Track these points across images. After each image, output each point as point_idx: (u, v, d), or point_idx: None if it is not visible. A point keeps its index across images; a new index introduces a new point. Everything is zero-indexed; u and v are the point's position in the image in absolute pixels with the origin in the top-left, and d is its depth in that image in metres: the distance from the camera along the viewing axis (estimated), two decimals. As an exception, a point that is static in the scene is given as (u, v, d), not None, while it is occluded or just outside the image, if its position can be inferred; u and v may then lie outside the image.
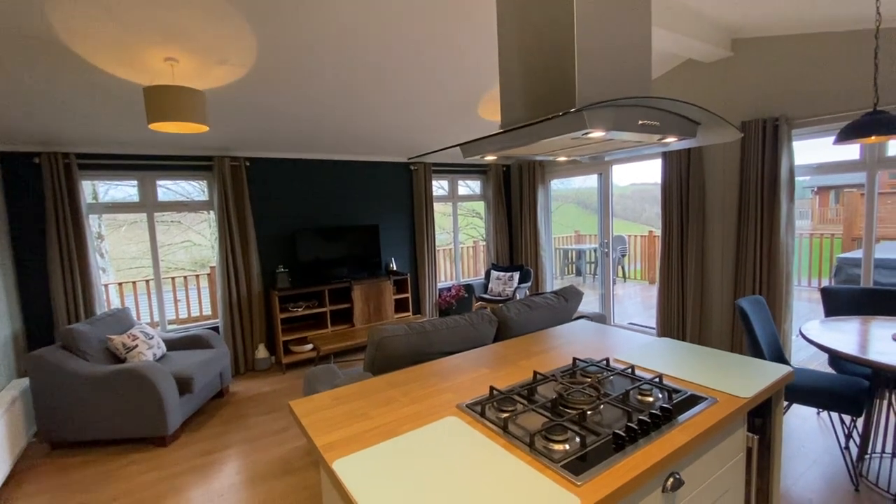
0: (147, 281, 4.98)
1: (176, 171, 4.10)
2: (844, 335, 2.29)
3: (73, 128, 3.29)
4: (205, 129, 2.59)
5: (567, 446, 1.10)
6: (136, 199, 4.04)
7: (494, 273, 5.76)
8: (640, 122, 1.12)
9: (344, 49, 2.75)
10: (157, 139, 3.70)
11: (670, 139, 1.30)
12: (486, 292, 5.81)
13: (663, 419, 1.21)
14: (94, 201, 4.36)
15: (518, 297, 5.40)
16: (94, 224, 4.51)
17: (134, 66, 2.58)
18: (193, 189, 5.41)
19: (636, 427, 1.14)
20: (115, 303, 5.29)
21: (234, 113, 3.43)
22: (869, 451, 2.45)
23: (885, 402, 2.48)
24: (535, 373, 1.55)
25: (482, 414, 1.30)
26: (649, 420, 1.18)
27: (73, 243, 3.54)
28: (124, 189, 4.64)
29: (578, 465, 1.02)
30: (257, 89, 3.11)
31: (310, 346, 4.44)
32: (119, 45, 2.36)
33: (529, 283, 5.56)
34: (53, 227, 3.46)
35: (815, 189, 13.23)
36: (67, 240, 3.52)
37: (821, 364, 3.47)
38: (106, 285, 4.80)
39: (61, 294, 3.51)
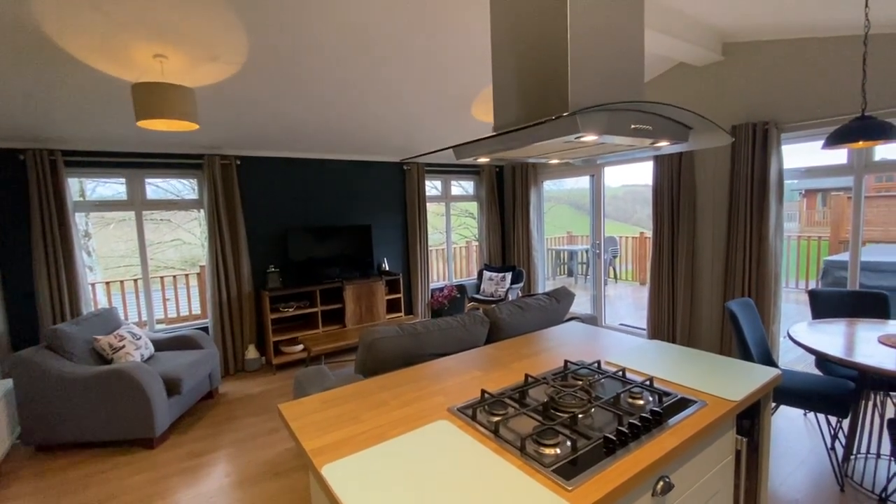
0: (135, 280, 4.91)
1: (165, 170, 4.05)
2: (831, 337, 2.32)
3: (59, 124, 3.23)
4: (194, 127, 2.56)
5: (558, 450, 1.10)
6: (124, 196, 3.98)
7: (487, 273, 5.76)
8: (633, 126, 1.12)
9: (337, 47, 2.74)
10: (145, 137, 3.65)
11: (662, 143, 1.31)
12: (478, 293, 5.81)
13: (654, 423, 1.21)
14: (81, 199, 4.28)
15: (510, 298, 5.41)
16: (80, 222, 4.43)
17: (122, 62, 2.54)
18: (184, 187, 5.34)
19: (627, 431, 1.14)
20: (103, 302, 5.21)
21: (225, 111, 3.39)
22: (854, 452, 2.48)
23: (871, 404, 2.52)
24: (527, 375, 1.54)
25: (473, 417, 1.30)
26: (640, 424, 1.18)
27: (58, 241, 3.47)
28: (113, 187, 4.57)
29: (569, 470, 1.02)
30: (248, 87, 3.08)
31: (301, 347, 4.41)
32: (107, 40, 2.33)
33: (522, 284, 5.57)
34: (38, 225, 3.40)
35: (803, 192, 13.42)
36: (53, 238, 3.46)
37: (808, 365, 3.51)
38: (93, 284, 4.72)
39: (46, 293, 3.45)
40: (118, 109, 3.10)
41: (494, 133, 1.25)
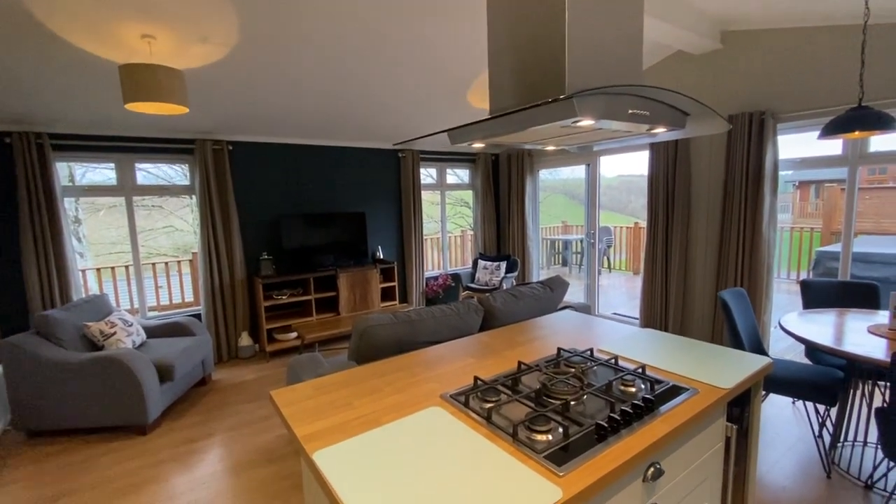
0: (127, 267, 4.86)
1: (155, 154, 3.98)
2: (821, 327, 2.34)
3: (46, 107, 3.15)
4: (184, 110, 2.51)
5: (550, 437, 1.10)
6: (114, 182, 3.92)
7: (481, 262, 5.76)
8: (630, 111, 1.10)
9: (331, 31, 2.68)
10: (134, 120, 3.58)
11: (659, 130, 1.29)
12: (472, 282, 5.81)
13: (645, 410, 1.22)
14: (70, 184, 4.21)
15: (505, 287, 5.41)
16: (70, 207, 4.36)
17: (109, 42, 2.47)
18: (175, 173, 5.26)
19: (618, 418, 1.15)
20: (94, 289, 5.16)
21: (216, 95, 3.33)
22: (841, 440, 2.52)
23: (859, 392, 2.56)
24: (520, 363, 1.54)
25: (466, 404, 1.30)
26: (631, 411, 1.19)
27: (47, 227, 3.42)
28: (103, 172, 4.49)
29: (561, 456, 1.02)
30: (240, 70, 3.02)
31: (294, 335, 4.40)
32: (92, 19, 2.26)
33: (516, 273, 5.57)
34: (27, 210, 3.34)
35: (797, 183, 13.49)
36: (41, 223, 3.40)
37: (797, 355, 3.55)
38: (83, 271, 4.67)
39: (35, 279, 3.40)
40: (106, 92, 3.03)
41: (490, 116, 1.22)
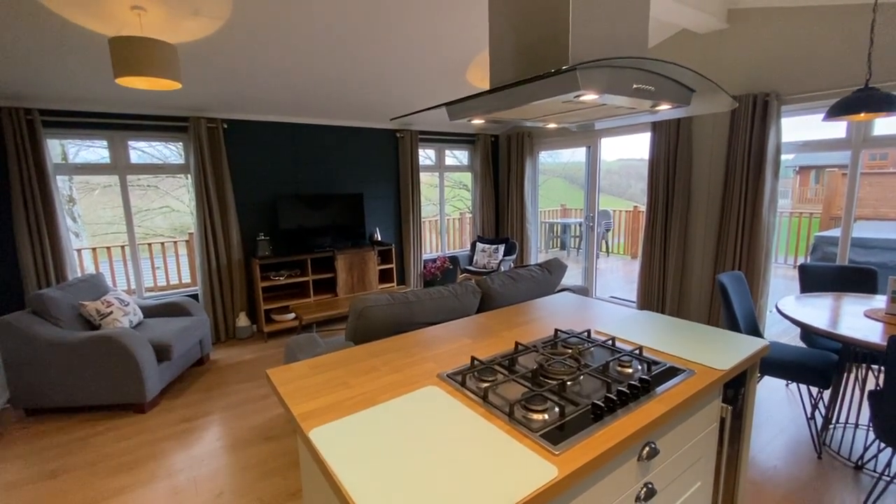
0: (122, 247, 4.82)
1: (149, 132, 3.90)
2: (818, 311, 2.34)
3: (35, 81, 3.07)
4: (177, 86, 2.45)
5: (546, 416, 1.10)
6: (107, 160, 3.85)
7: (480, 245, 5.74)
8: (635, 86, 1.07)
9: (329, 6, 2.60)
10: (127, 96, 3.50)
11: (663, 107, 1.26)
12: (471, 264, 5.81)
13: (642, 390, 1.21)
14: (62, 162, 4.15)
15: (503, 270, 5.41)
16: (64, 186, 4.30)
17: (98, 14, 2.39)
18: (170, 152, 5.19)
19: (615, 398, 1.14)
20: (90, 268, 5.13)
21: (210, 70, 3.25)
22: (833, 422, 2.55)
23: (852, 376, 2.58)
24: (517, 343, 1.54)
25: (463, 384, 1.29)
26: (628, 391, 1.18)
27: (40, 205, 3.37)
28: (97, 151, 4.42)
29: (557, 435, 1.02)
30: (233, 46, 2.94)
31: (292, 316, 4.40)
32: (79, -11, 2.18)
33: (514, 256, 5.56)
34: (18, 188, 3.29)
35: (797, 168, 13.42)
36: (34, 202, 3.35)
37: (792, 338, 3.58)
38: (79, 250, 4.63)
39: (30, 259, 3.37)
40: (97, 66, 2.95)
41: (491, 89, 1.19)
